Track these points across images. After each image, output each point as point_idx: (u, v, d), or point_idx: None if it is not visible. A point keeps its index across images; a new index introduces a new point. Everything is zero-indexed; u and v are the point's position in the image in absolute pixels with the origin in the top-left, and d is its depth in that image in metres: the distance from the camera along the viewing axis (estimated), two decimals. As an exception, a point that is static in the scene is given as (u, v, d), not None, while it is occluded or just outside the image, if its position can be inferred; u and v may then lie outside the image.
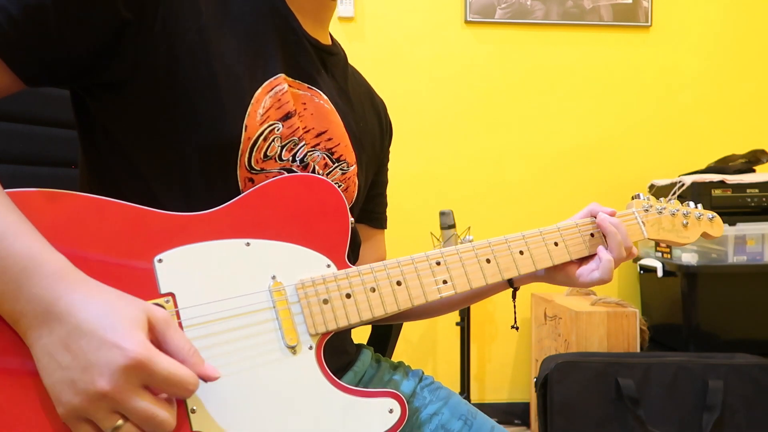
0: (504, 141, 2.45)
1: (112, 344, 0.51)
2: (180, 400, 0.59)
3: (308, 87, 0.77)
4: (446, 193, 2.41)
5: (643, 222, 0.91)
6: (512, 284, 0.87)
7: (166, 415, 0.53)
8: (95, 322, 0.52)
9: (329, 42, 0.85)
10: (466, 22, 2.40)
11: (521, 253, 0.80)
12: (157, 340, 0.55)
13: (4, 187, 0.58)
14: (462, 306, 0.97)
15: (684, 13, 2.49)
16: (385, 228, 1.02)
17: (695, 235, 0.95)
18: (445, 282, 0.74)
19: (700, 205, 0.97)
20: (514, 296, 0.89)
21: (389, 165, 1.02)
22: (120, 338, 0.51)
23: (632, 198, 0.94)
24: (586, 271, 0.85)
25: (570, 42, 2.45)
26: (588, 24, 2.44)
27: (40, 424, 0.54)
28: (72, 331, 0.52)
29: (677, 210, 0.94)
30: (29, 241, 0.55)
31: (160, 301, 0.61)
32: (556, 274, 0.86)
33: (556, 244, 0.83)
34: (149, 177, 0.69)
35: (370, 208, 0.96)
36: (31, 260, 0.53)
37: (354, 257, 0.86)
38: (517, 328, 0.94)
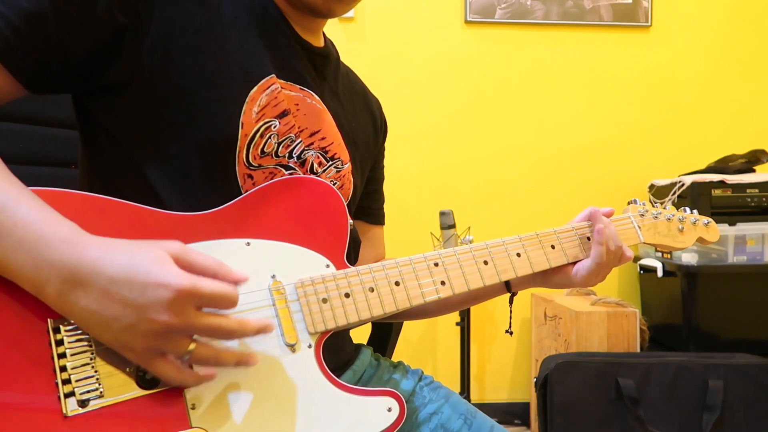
0: (504, 141, 2.45)
1: (155, 283, 0.54)
2: (180, 399, 0.59)
3: (300, 88, 0.79)
4: (446, 193, 2.41)
5: (639, 226, 0.91)
6: (510, 289, 0.88)
7: (225, 319, 0.58)
8: (128, 271, 0.54)
9: (321, 44, 0.86)
10: (466, 22, 2.41)
11: (518, 255, 0.80)
12: (184, 267, 0.56)
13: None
14: (460, 308, 0.97)
15: (684, 13, 2.49)
16: (383, 224, 1.03)
17: (691, 240, 0.95)
18: (443, 283, 0.74)
19: (695, 211, 0.98)
20: (511, 301, 0.90)
21: (386, 162, 1.03)
22: (160, 276, 0.54)
23: (628, 203, 0.95)
24: (581, 266, 0.84)
25: (570, 42, 2.45)
26: (588, 24, 2.44)
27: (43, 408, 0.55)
28: (108, 285, 0.54)
29: (673, 215, 0.95)
30: (39, 211, 0.57)
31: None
32: (552, 276, 0.86)
33: (552, 246, 0.83)
34: (150, 175, 0.70)
35: (367, 204, 0.97)
36: (45, 227, 0.55)
37: (355, 256, 0.87)
38: (511, 333, 0.95)
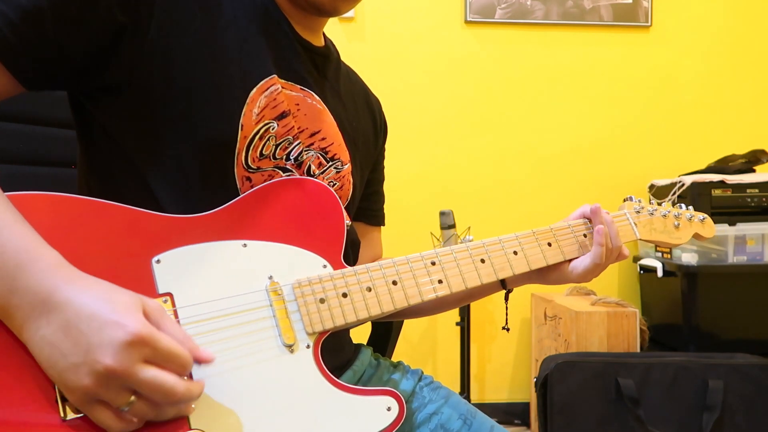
0: (504, 141, 2.45)
1: (113, 323, 0.52)
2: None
3: (301, 88, 0.78)
4: (446, 193, 2.41)
5: (635, 223, 0.92)
6: (505, 286, 0.88)
7: (174, 379, 0.54)
8: (94, 307, 0.53)
9: (322, 44, 0.86)
10: (466, 22, 2.41)
11: (515, 253, 0.81)
12: (152, 323, 0.55)
13: (4, 188, 0.59)
14: (457, 306, 0.97)
15: (684, 13, 2.49)
16: (383, 225, 1.03)
17: (687, 236, 0.96)
18: (440, 281, 0.75)
19: (691, 207, 0.98)
20: (506, 298, 0.90)
21: (386, 162, 1.03)
22: (120, 317, 0.52)
23: (624, 200, 0.95)
24: (578, 263, 0.85)
25: (570, 42, 2.45)
26: (588, 24, 2.44)
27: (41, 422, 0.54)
28: (71, 318, 0.52)
29: (668, 211, 0.95)
30: (24, 237, 0.55)
31: (158, 300, 0.61)
32: (549, 273, 0.86)
33: (549, 244, 0.84)
34: (148, 176, 0.70)
35: (367, 206, 0.97)
36: (26, 255, 0.54)
37: (354, 257, 0.87)
38: (507, 329, 0.95)
